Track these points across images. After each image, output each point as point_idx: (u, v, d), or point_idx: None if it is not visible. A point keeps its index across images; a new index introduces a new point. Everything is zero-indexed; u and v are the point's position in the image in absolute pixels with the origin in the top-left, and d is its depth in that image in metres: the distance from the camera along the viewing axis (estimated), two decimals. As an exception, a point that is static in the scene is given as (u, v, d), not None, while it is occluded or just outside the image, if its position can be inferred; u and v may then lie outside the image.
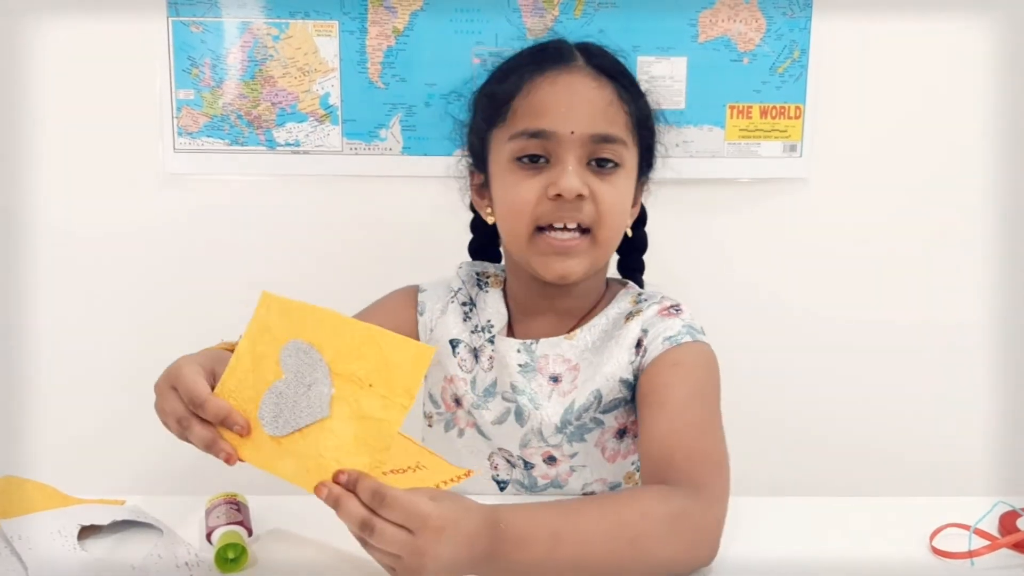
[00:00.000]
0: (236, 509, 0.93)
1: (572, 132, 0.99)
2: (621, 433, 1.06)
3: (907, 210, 1.70)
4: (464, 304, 1.12)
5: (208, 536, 0.89)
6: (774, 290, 1.66)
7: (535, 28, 1.60)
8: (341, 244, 1.65)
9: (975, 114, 1.67)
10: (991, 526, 0.94)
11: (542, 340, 1.05)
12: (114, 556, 0.87)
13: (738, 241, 1.66)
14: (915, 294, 1.72)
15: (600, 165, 1.01)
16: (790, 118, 1.65)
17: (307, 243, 1.66)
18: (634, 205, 1.11)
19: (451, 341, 1.10)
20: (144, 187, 1.63)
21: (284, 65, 1.60)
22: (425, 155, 1.63)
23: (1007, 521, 0.94)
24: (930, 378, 1.75)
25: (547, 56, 1.05)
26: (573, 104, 1.00)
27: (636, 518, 0.84)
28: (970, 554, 0.89)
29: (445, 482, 0.81)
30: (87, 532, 0.90)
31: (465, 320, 1.11)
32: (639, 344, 1.03)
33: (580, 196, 1.00)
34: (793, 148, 1.66)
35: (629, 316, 1.05)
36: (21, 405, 1.69)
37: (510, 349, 1.06)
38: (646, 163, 1.11)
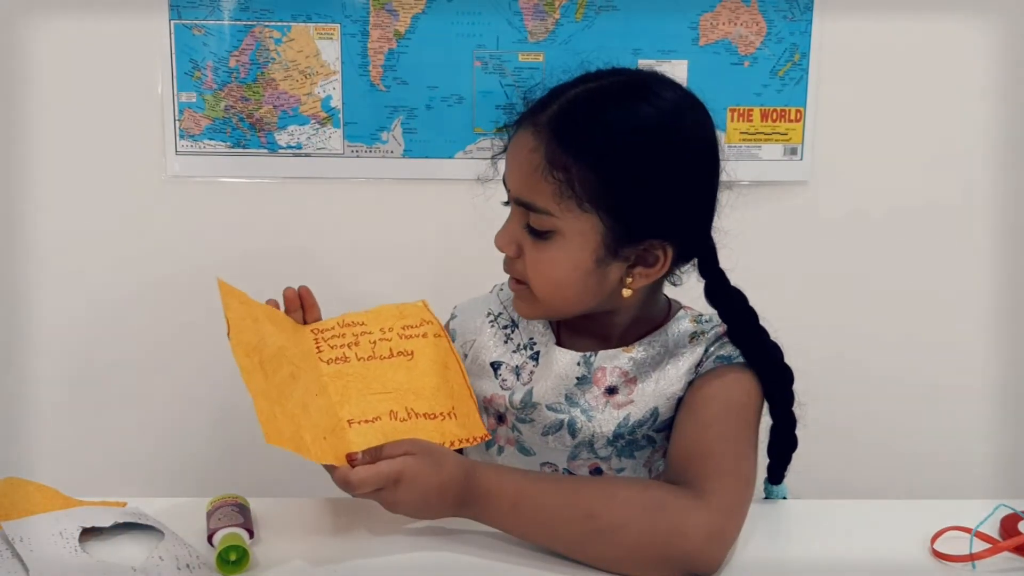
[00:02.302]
0: (238, 511, 0.93)
1: (510, 191, 0.99)
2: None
3: (908, 212, 1.70)
4: (506, 327, 1.10)
5: (209, 538, 0.89)
6: (774, 292, 1.66)
7: (536, 31, 1.60)
8: (343, 246, 1.66)
9: (976, 115, 1.67)
10: (992, 529, 0.93)
11: (600, 352, 1.04)
12: (115, 558, 0.87)
13: (738, 244, 1.66)
14: (916, 296, 1.73)
15: (530, 229, 0.97)
16: (791, 121, 1.66)
17: (309, 245, 1.66)
18: (630, 286, 0.98)
19: (492, 364, 1.09)
20: (146, 189, 1.64)
21: (286, 68, 1.60)
22: (426, 158, 1.64)
23: (1008, 524, 0.94)
24: (931, 381, 1.75)
25: (536, 104, 0.99)
26: (512, 162, 0.98)
27: (603, 495, 0.89)
28: (971, 557, 0.89)
29: (461, 440, 0.98)
30: (88, 534, 0.90)
31: (507, 342, 1.10)
32: (700, 364, 1.02)
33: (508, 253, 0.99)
34: (794, 151, 1.67)
35: (693, 336, 1.04)
36: (23, 407, 1.69)
37: (569, 361, 1.04)
38: (634, 235, 0.95)
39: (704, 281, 1.01)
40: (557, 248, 0.95)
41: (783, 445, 1.02)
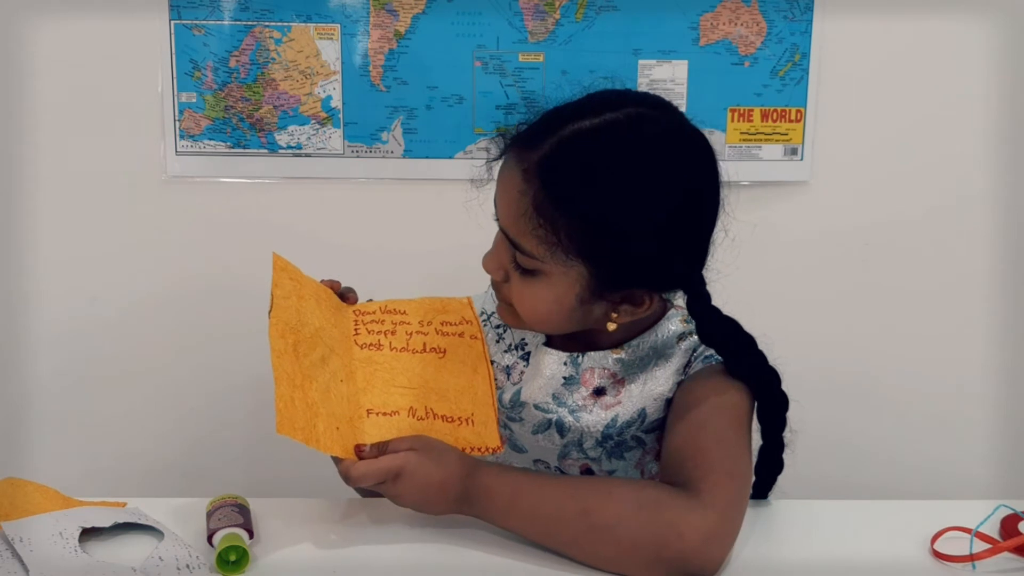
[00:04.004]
0: (237, 511, 0.93)
1: (498, 220, 0.98)
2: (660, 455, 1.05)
3: (909, 213, 1.70)
4: (498, 327, 1.11)
5: (209, 538, 0.89)
6: (775, 293, 1.66)
7: (536, 31, 1.60)
8: (343, 247, 1.66)
9: (976, 115, 1.67)
10: (992, 530, 0.93)
11: (588, 353, 1.04)
12: (115, 558, 0.87)
13: (738, 244, 1.66)
14: (917, 297, 1.72)
15: (516, 264, 0.96)
16: (791, 121, 1.65)
17: (308, 246, 1.65)
18: (616, 320, 0.97)
19: None
20: (146, 189, 1.63)
21: (286, 68, 1.60)
22: (427, 158, 1.64)
23: (1009, 525, 0.94)
24: (932, 382, 1.75)
25: (529, 132, 0.96)
26: (501, 193, 0.96)
27: (600, 493, 0.89)
28: (971, 558, 0.89)
29: (473, 448, 0.98)
30: (88, 534, 0.90)
31: (498, 341, 1.10)
32: (688, 364, 1.02)
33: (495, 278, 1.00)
34: (794, 151, 1.67)
35: (681, 337, 1.03)
36: (23, 406, 1.69)
37: (556, 361, 1.04)
38: (622, 283, 0.95)
39: (695, 321, 0.98)
40: (542, 286, 0.95)
41: (769, 467, 1.02)
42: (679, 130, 0.96)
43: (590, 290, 0.94)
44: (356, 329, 1.04)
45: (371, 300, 1.10)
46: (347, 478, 0.90)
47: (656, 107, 0.97)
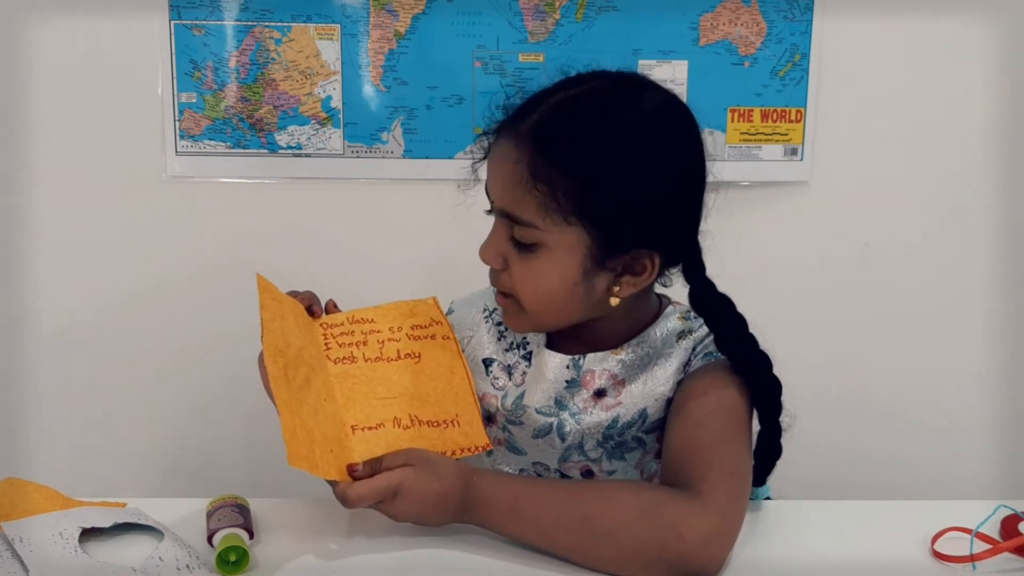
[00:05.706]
0: (238, 511, 0.93)
1: (494, 202, 0.98)
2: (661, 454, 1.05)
3: (908, 213, 1.70)
4: (499, 324, 1.10)
5: (209, 539, 0.89)
6: (775, 293, 1.66)
7: (536, 32, 1.60)
8: (342, 247, 1.66)
9: (976, 116, 1.67)
10: (993, 530, 0.93)
11: (588, 355, 1.03)
12: (115, 558, 0.87)
13: (738, 244, 1.66)
14: (916, 297, 1.72)
15: (516, 242, 0.96)
16: (791, 121, 1.65)
17: (308, 246, 1.66)
18: (618, 295, 0.97)
19: (484, 360, 1.09)
20: (146, 189, 1.64)
21: (286, 68, 1.60)
22: (427, 158, 1.64)
23: (1009, 525, 0.94)
24: (932, 382, 1.75)
25: (516, 112, 0.97)
26: (494, 173, 0.97)
27: (601, 498, 0.89)
28: (972, 558, 0.89)
29: (463, 449, 0.98)
30: (88, 535, 0.90)
31: (500, 339, 1.10)
32: (688, 363, 1.02)
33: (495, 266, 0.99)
34: (794, 151, 1.67)
35: (681, 335, 1.03)
36: (23, 406, 1.69)
37: (558, 365, 1.04)
38: (620, 246, 0.94)
39: (689, 287, 0.99)
40: (543, 261, 0.95)
41: (768, 453, 1.02)
42: (664, 94, 0.99)
43: (592, 257, 0.94)
44: (327, 344, 1.02)
45: (331, 301, 1.07)
46: (344, 500, 0.89)
47: (638, 79, 1.01)
